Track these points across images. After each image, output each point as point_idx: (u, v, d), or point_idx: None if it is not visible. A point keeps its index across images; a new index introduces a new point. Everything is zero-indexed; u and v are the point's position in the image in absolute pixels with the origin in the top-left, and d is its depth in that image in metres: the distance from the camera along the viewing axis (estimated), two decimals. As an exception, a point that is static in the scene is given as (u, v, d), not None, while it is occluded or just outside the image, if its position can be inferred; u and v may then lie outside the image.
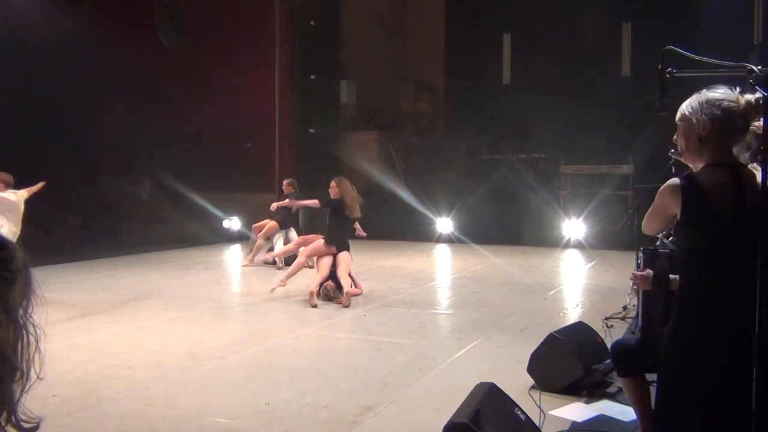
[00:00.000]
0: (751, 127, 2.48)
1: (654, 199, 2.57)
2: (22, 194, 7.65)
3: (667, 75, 2.62)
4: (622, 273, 8.23)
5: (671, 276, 2.75)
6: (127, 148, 14.14)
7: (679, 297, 2.53)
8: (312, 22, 14.99)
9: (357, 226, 8.38)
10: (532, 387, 4.43)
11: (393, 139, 16.26)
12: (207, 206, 13.87)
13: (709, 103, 2.45)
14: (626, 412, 3.90)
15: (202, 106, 13.64)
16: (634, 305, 6.18)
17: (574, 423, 3.90)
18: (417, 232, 13.96)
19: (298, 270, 7.85)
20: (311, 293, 7.25)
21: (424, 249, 12.81)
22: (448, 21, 16.85)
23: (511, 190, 13.86)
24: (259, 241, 10.46)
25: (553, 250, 12.30)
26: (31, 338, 1.20)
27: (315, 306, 7.14)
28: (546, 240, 12.88)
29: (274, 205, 9.84)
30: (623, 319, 6.36)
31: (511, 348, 5.48)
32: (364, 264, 10.68)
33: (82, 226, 13.69)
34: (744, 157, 2.55)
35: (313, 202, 8.23)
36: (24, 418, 1.20)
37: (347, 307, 7.14)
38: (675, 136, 2.59)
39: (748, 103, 2.41)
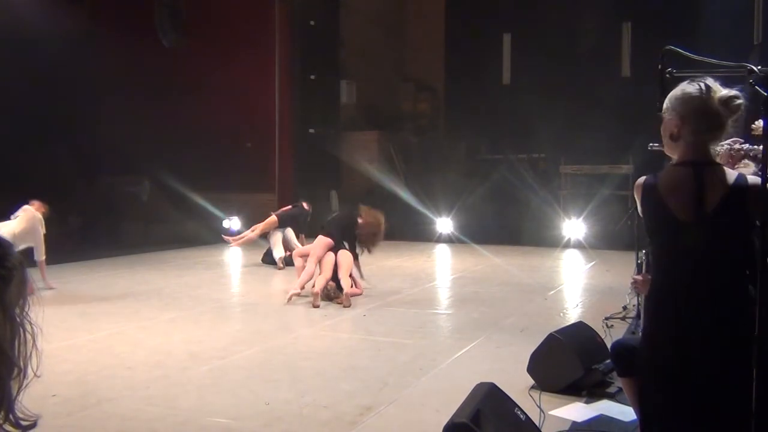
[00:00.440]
0: (753, 127, 2.47)
1: None
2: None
3: (667, 75, 2.63)
4: (622, 273, 8.24)
5: None
6: (127, 148, 14.13)
7: (647, 296, 2.54)
8: (312, 22, 14.99)
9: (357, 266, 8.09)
10: (532, 387, 4.42)
11: (393, 139, 16.26)
12: (207, 206, 13.87)
13: (682, 99, 2.39)
14: (626, 412, 3.90)
15: (202, 106, 13.64)
16: (634, 305, 6.18)
17: (574, 423, 3.91)
18: (417, 232, 13.95)
19: (311, 277, 7.71)
20: (315, 294, 7.24)
21: (424, 249, 12.80)
22: (448, 21, 16.85)
23: (511, 190, 13.85)
24: (251, 234, 10.49)
25: (553, 250, 12.30)
26: (28, 336, 1.21)
27: (318, 306, 7.13)
28: (546, 240, 12.87)
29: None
30: (623, 319, 6.36)
31: (511, 348, 5.48)
32: (364, 264, 10.66)
33: (82, 226, 13.68)
34: (715, 151, 2.47)
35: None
36: (21, 416, 1.20)
37: (348, 307, 7.14)
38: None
39: (720, 101, 2.32)
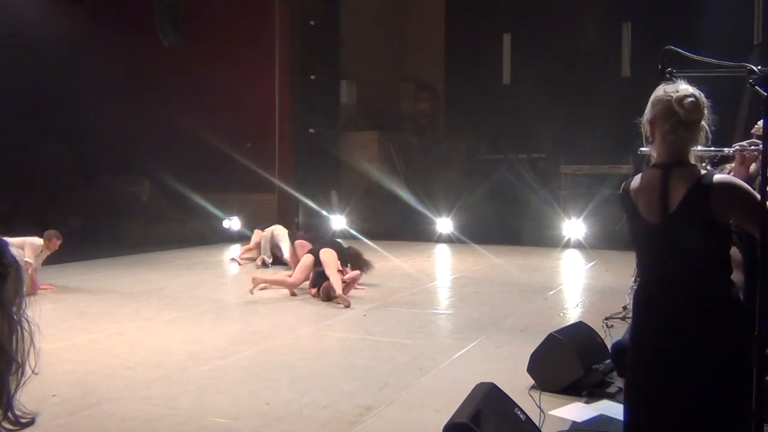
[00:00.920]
0: (755, 127, 2.46)
1: None
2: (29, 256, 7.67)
3: (667, 75, 2.62)
4: (622, 273, 8.24)
5: None
6: (127, 148, 14.15)
7: (634, 295, 2.59)
8: (312, 22, 15.00)
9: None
10: (532, 387, 4.43)
11: (393, 139, 16.26)
12: (207, 206, 13.87)
13: (651, 103, 2.41)
14: (626, 412, 3.90)
15: (202, 106, 13.65)
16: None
17: (574, 423, 3.91)
18: (417, 232, 13.95)
19: (281, 284, 8.01)
20: (339, 296, 7.31)
21: (424, 249, 12.80)
22: (448, 21, 16.85)
23: (511, 190, 13.86)
24: (252, 244, 10.65)
25: (553, 250, 12.30)
26: (26, 334, 1.21)
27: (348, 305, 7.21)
28: (546, 240, 12.87)
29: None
30: (623, 319, 6.36)
31: (511, 348, 5.48)
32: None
33: (82, 226, 13.69)
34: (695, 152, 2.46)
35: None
36: (19, 413, 1.20)
37: (348, 307, 7.14)
38: None
39: (676, 101, 2.31)
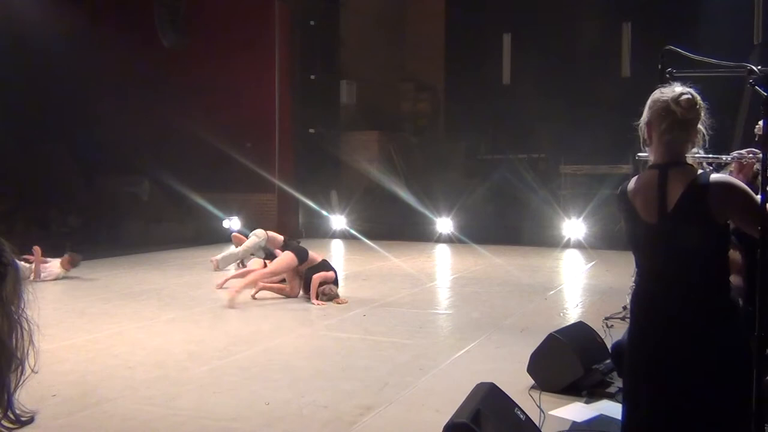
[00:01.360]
0: (756, 127, 2.46)
1: None
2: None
3: (667, 75, 2.62)
4: (622, 273, 8.23)
5: None
6: (127, 148, 14.15)
7: (632, 295, 2.60)
8: (312, 22, 15.01)
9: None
10: (532, 387, 4.43)
11: (393, 139, 16.27)
12: (207, 206, 13.87)
13: (648, 105, 2.41)
14: (626, 412, 3.90)
15: (201, 106, 13.65)
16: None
17: (574, 423, 3.90)
18: (417, 232, 13.96)
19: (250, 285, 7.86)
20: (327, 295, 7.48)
21: (424, 249, 12.80)
22: (448, 21, 16.86)
23: (511, 190, 13.85)
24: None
25: (553, 250, 12.30)
26: (25, 332, 1.22)
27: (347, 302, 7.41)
28: (546, 240, 12.87)
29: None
30: (623, 319, 6.35)
31: (511, 348, 5.48)
32: (364, 264, 10.70)
33: (82, 226, 13.69)
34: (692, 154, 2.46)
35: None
36: (19, 412, 1.21)
37: (344, 303, 7.23)
38: None
39: (673, 99, 2.31)
